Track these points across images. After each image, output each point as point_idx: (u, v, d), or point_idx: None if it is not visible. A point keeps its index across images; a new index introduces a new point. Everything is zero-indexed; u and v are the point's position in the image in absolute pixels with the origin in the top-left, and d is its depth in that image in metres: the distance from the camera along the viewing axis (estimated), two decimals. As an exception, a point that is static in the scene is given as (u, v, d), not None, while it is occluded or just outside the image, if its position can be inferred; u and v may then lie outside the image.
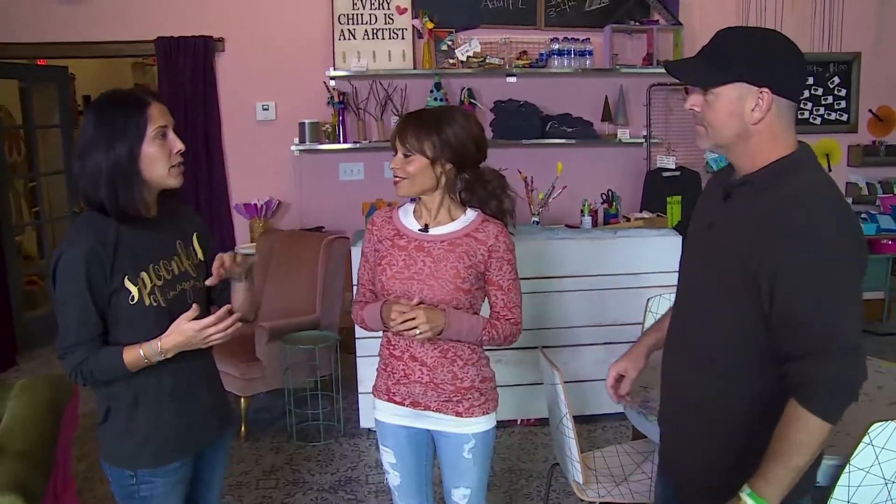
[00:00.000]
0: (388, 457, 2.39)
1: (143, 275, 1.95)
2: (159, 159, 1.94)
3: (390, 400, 2.31)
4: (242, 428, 4.29)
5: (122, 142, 1.89)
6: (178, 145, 1.98)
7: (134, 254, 1.94)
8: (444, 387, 2.24)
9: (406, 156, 2.20)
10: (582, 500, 2.69)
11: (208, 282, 2.04)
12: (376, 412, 2.38)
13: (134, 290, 1.93)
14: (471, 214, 2.27)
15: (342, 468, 3.95)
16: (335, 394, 4.37)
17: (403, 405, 2.29)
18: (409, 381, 2.26)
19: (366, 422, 4.25)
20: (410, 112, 2.32)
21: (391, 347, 2.29)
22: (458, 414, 2.26)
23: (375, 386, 2.37)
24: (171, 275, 2.02)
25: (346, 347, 4.65)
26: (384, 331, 2.29)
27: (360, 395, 4.27)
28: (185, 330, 1.93)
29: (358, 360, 4.19)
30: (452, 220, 2.26)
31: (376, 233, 2.32)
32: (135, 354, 1.91)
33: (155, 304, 1.96)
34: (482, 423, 2.29)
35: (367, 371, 4.09)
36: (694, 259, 1.89)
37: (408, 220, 2.30)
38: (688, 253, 1.93)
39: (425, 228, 2.26)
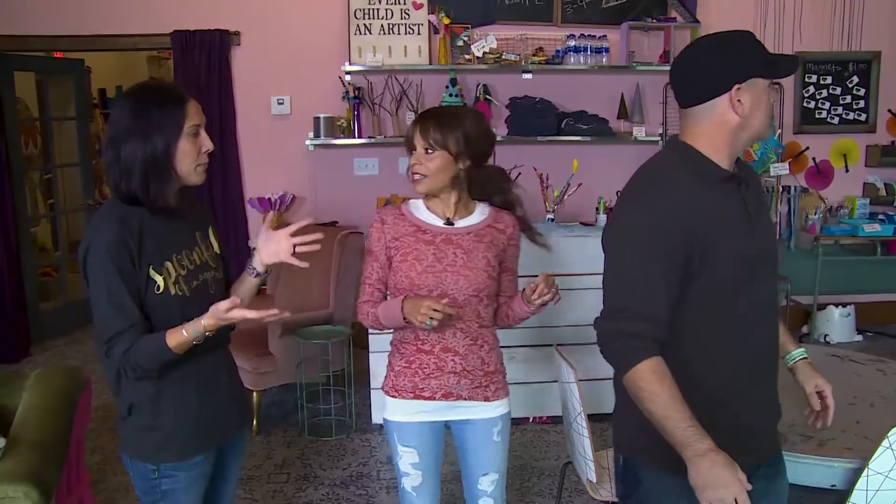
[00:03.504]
0: (409, 458, 2.32)
1: (168, 264, 1.95)
2: (188, 155, 1.94)
3: (417, 397, 2.28)
4: (254, 422, 4.30)
5: (160, 135, 1.89)
6: (208, 145, 1.99)
7: (158, 243, 1.94)
8: (474, 373, 2.29)
9: (428, 151, 2.21)
10: (594, 499, 2.68)
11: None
12: (394, 413, 2.33)
13: (159, 279, 1.92)
14: (484, 207, 2.34)
15: (353, 463, 3.95)
16: (347, 389, 4.37)
17: (434, 399, 2.28)
18: (442, 372, 2.26)
19: (378, 417, 4.24)
20: (427, 110, 2.34)
21: (419, 343, 2.27)
22: (487, 399, 2.32)
23: (395, 386, 2.31)
24: (192, 265, 2.02)
25: (359, 342, 4.66)
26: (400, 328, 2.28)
27: (372, 391, 4.27)
28: (217, 311, 1.88)
29: (371, 355, 4.20)
30: (470, 213, 2.31)
31: (389, 231, 2.28)
32: (179, 336, 1.88)
33: (180, 294, 1.95)
34: (505, 406, 2.37)
35: (379, 367, 4.07)
36: (761, 266, 1.74)
37: (425, 215, 2.30)
38: (745, 267, 1.71)
39: (448, 222, 2.28)
